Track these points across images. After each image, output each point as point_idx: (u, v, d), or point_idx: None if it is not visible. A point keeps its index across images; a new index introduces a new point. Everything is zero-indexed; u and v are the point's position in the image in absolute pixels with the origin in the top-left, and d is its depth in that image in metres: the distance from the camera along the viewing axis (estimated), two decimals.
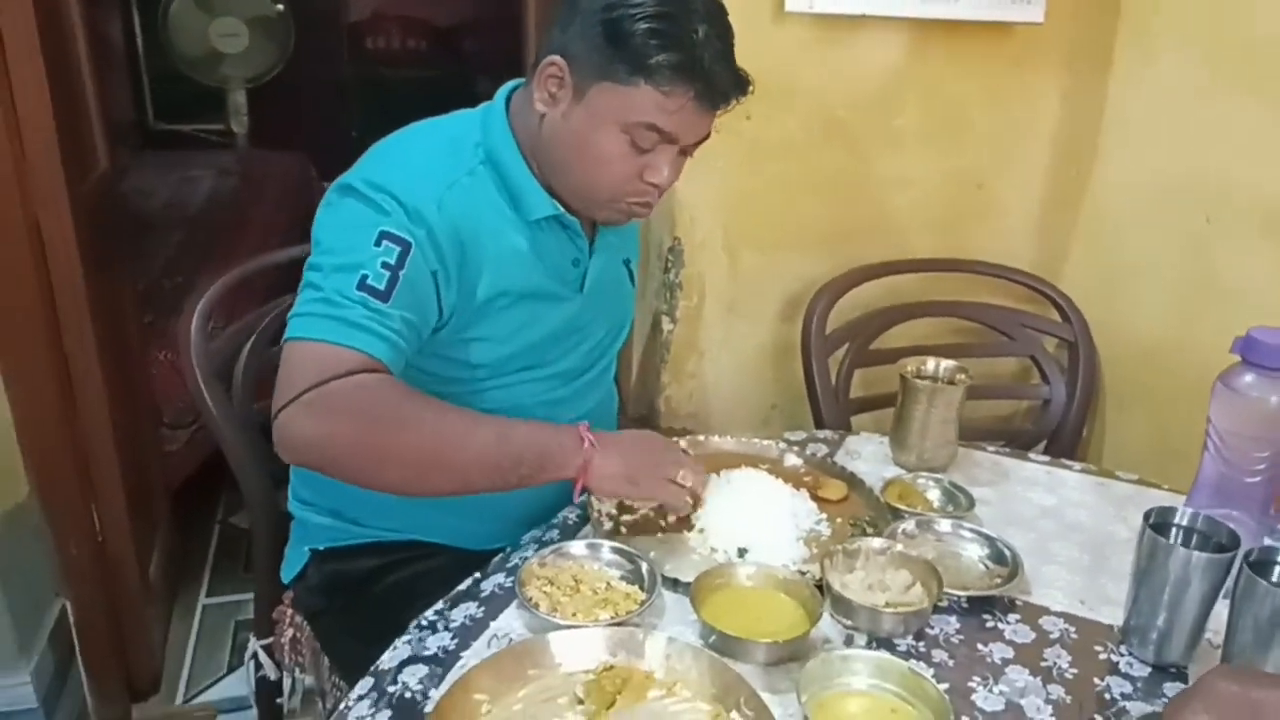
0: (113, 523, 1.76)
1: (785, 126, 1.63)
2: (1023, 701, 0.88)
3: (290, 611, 1.37)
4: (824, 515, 1.14)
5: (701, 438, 1.31)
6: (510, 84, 1.17)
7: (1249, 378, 1.00)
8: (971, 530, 1.10)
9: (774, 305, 1.75)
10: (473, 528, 1.19)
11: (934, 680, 0.83)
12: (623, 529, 1.10)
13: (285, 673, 1.39)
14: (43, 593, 1.79)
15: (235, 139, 4.44)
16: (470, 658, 0.91)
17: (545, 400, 1.19)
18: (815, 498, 1.17)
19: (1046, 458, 1.36)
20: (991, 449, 1.37)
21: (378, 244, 1.00)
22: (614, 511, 1.13)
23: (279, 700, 1.44)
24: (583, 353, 1.24)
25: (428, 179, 1.06)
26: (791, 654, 0.91)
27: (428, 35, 5.38)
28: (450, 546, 1.21)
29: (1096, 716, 0.87)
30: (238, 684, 1.94)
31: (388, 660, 0.92)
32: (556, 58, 1.05)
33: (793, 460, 1.28)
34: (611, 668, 0.89)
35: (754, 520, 1.09)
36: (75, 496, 1.65)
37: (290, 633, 1.36)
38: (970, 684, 0.90)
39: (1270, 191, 1.41)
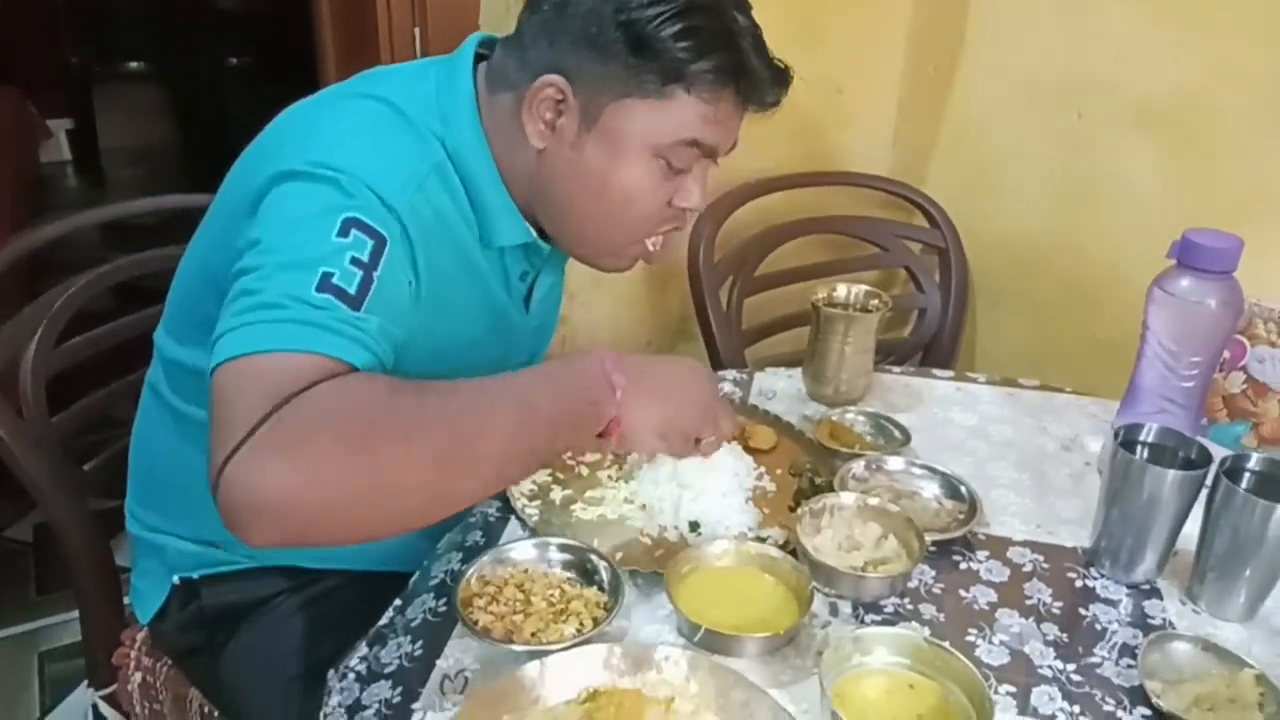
0: None
1: None
2: (1025, 649, 0.84)
3: (135, 654, 1.15)
4: (762, 468, 1.06)
5: None
6: (471, 46, 0.92)
7: (1185, 282, 0.98)
8: (922, 467, 1.04)
9: None
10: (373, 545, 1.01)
11: (951, 649, 0.77)
12: (551, 518, 0.97)
13: None
14: None
15: None
16: (424, 710, 0.76)
17: None
18: (747, 449, 1.08)
19: (951, 373, 1.33)
20: (898, 370, 1.34)
21: (343, 234, 0.74)
22: (535, 487, 1.00)
23: None
24: None
25: (396, 169, 0.81)
26: (789, 640, 0.82)
27: None
28: (347, 570, 1.02)
29: (1098, 652, 0.84)
30: None
31: None
32: (554, 78, 0.84)
33: None
34: (597, 693, 0.76)
35: (698, 489, 0.99)
36: None
37: (139, 677, 1.15)
38: (969, 637, 0.85)
39: (1142, 84, 1.42)
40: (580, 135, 0.86)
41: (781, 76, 0.88)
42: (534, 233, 0.95)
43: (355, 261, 0.74)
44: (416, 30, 1.51)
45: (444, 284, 0.88)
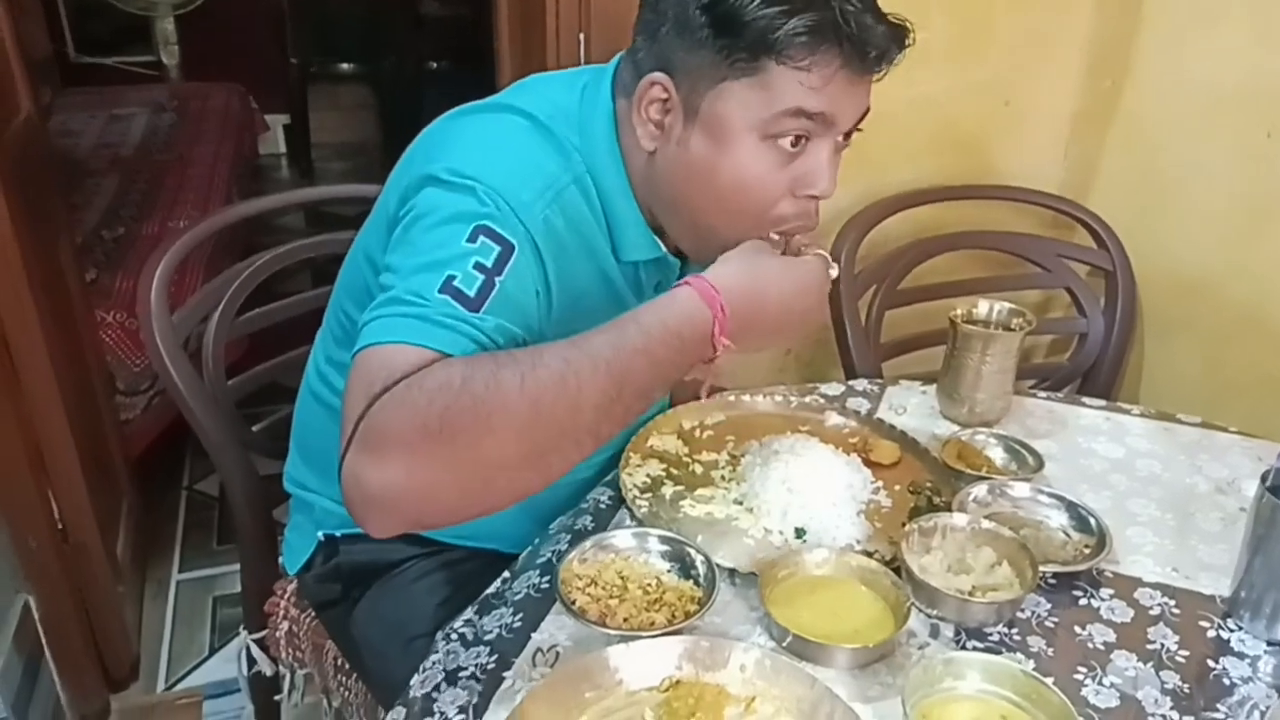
0: (73, 507, 1.60)
1: None
2: (1138, 694, 0.79)
3: (284, 604, 1.25)
4: (880, 483, 1.04)
5: (732, 397, 1.19)
6: (611, 69, 0.92)
7: None
8: (1050, 495, 1.00)
9: None
10: (497, 526, 1.06)
11: (1051, 685, 0.74)
12: (660, 512, 0.99)
13: (284, 668, 1.28)
14: (1, 592, 1.64)
15: (166, 71, 4.12)
16: (514, 678, 0.79)
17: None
18: (867, 463, 1.07)
19: (1103, 402, 1.26)
20: (1043, 395, 1.28)
21: (472, 239, 0.77)
22: (648, 480, 1.02)
23: (276, 697, 1.33)
24: None
25: (530, 182, 0.84)
26: (879, 655, 0.81)
27: None
28: (473, 548, 1.09)
29: (1220, 707, 0.78)
30: (222, 666, 1.82)
31: (419, 685, 0.80)
32: (657, 75, 0.83)
33: (835, 420, 1.16)
34: (679, 683, 0.78)
35: (809, 496, 0.98)
36: (29, 484, 1.49)
37: (286, 626, 1.25)
38: (1077, 675, 0.81)
39: None
40: (686, 131, 0.84)
41: (892, 32, 0.80)
42: (663, 248, 0.95)
43: (479, 266, 0.76)
44: (582, 35, 1.56)
45: (579, 296, 0.90)
